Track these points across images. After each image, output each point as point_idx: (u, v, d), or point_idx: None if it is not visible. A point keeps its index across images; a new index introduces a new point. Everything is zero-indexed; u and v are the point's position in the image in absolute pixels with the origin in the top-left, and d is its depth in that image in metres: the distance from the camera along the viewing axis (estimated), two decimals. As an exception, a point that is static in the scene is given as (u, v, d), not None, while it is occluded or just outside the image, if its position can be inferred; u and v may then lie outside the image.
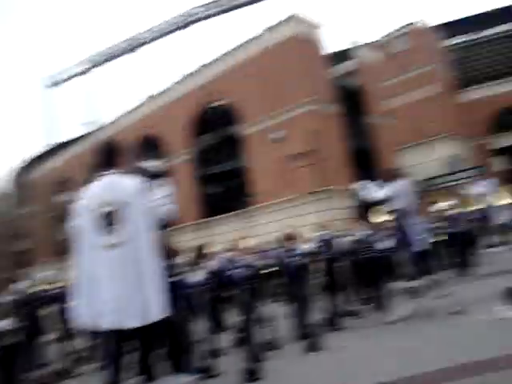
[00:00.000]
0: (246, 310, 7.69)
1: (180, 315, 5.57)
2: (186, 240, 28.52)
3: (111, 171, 4.33)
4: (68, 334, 11.40)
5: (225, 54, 34.29)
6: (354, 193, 26.52)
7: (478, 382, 4.70)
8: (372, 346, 7.21)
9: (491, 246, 13.00)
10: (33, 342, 9.79)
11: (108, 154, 4.44)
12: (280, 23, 31.17)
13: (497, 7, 55.92)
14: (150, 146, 39.68)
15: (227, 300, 13.32)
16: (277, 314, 9.58)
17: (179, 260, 9.25)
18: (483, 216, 13.92)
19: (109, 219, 4.07)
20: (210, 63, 35.76)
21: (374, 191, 9.10)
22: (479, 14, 56.20)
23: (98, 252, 4.06)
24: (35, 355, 10.03)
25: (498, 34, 55.68)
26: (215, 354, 7.66)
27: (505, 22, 55.29)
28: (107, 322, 3.99)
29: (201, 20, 60.55)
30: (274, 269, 14.97)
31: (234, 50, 33.59)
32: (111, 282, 3.94)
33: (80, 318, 4.05)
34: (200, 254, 8.69)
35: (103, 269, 4.01)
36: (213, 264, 9.54)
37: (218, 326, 10.68)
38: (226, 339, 9.43)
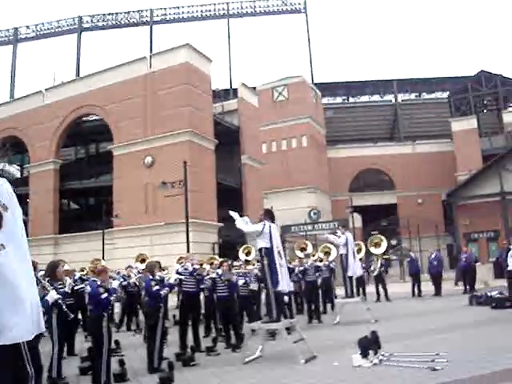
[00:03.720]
0: (105, 337, 7.07)
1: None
2: (40, 254, 26.72)
3: None
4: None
5: (107, 69, 33.19)
6: (219, 228, 26.55)
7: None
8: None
9: (345, 297, 13.49)
10: None
11: None
12: (172, 48, 30.99)
13: (376, 79, 60.96)
14: (14, 147, 37.02)
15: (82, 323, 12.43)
16: (131, 343, 9.03)
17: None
18: (339, 266, 14.52)
19: None
20: (90, 75, 34.43)
21: (249, 225, 9.07)
22: (357, 82, 60.80)
23: None
24: None
25: (370, 102, 60.68)
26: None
27: (378, 93, 60.43)
28: None
29: (90, 30, 58.91)
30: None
31: (119, 66, 32.66)
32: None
33: None
34: (53, 272, 7.88)
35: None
36: (69, 283, 8.73)
37: (68, 351, 9.88)
38: (73, 365, 8.68)
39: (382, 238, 20.54)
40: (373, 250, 19.77)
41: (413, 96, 62.11)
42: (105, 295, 7.19)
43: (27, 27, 62.04)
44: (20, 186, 36.95)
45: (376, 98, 61.40)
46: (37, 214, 34.08)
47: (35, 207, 34.37)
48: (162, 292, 8.58)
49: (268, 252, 8.71)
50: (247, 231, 9.12)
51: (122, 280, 13.91)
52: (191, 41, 31.45)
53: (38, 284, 5.23)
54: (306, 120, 47.27)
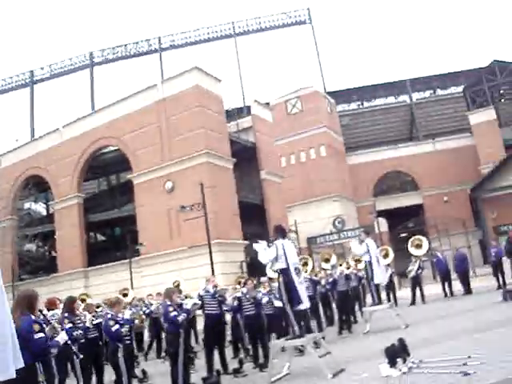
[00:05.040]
0: (116, 367, 7.07)
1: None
2: (72, 288, 26.98)
3: None
4: None
5: (120, 100, 33.64)
6: (245, 246, 26.38)
7: None
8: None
9: (373, 305, 13.29)
10: None
11: None
12: (182, 73, 31.27)
13: (388, 81, 60.55)
14: (38, 186, 37.66)
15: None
16: (159, 371, 9.01)
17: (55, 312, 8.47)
18: (365, 275, 14.35)
19: None
20: (104, 108, 34.93)
21: (265, 255, 9.02)
22: (370, 86, 60.47)
23: None
24: None
25: (385, 104, 60.22)
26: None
27: (392, 95, 59.99)
28: None
29: (102, 64, 60.06)
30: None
31: (131, 96, 33.07)
32: None
33: None
34: (70, 307, 7.90)
35: None
36: (89, 318, 8.75)
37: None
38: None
39: (423, 238, 20.28)
40: (413, 251, 19.54)
41: (427, 94, 61.40)
42: (115, 327, 7.21)
43: (42, 68, 63.76)
44: (46, 223, 37.55)
45: (391, 99, 60.88)
46: (64, 249, 34.53)
47: (62, 242, 34.83)
48: (179, 318, 8.53)
49: (285, 272, 8.66)
50: (266, 263, 9.08)
51: (145, 309, 13.95)
52: (200, 63, 31.81)
53: (47, 324, 5.22)
54: (322, 130, 47.10)
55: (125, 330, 7.23)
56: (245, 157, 33.69)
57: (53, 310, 8.86)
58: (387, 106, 60.41)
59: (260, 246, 9.14)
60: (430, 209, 47.40)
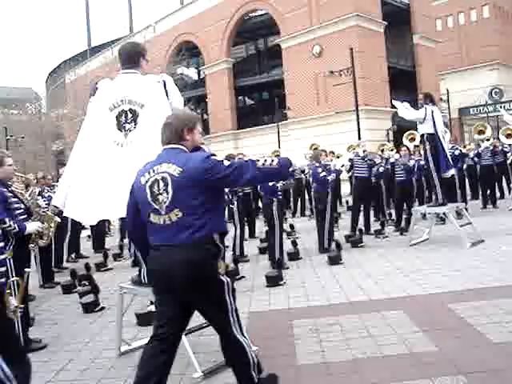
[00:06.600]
0: (276, 220, 7.92)
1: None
2: (220, 150, 28.72)
3: (132, 71, 4.17)
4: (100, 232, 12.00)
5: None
6: (393, 114, 25.76)
7: (488, 305, 4.82)
8: (389, 264, 7.40)
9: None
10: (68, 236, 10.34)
11: (130, 54, 4.22)
12: None
13: None
14: (190, 51, 39.08)
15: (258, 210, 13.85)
16: (305, 227, 9.83)
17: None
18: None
19: (126, 117, 4.03)
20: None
21: (411, 112, 9.00)
22: None
23: (110, 147, 4.03)
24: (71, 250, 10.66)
25: None
26: (239, 259, 8.00)
27: None
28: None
29: None
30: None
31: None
32: (117, 178, 3.83)
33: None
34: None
35: (113, 165, 3.96)
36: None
37: (250, 234, 11.26)
38: (253, 246, 9.90)
39: None
40: None
41: None
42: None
43: None
44: (198, 87, 39.39)
45: None
46: (215, 112, 36.44)
47: (214, 106, 36.69)
48: (328, 178, 9.08)
49: (432, 137, 8.60)
50: (409, 118, 9.01)
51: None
52: None
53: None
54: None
55: (279, 185, 7.89)
56: (397, 19, 31.74)
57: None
58: None
59: (399, 103, 9.14)
60: None
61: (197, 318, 3.36)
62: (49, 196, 8.23)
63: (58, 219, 5.30)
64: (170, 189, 2.84)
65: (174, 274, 2.82)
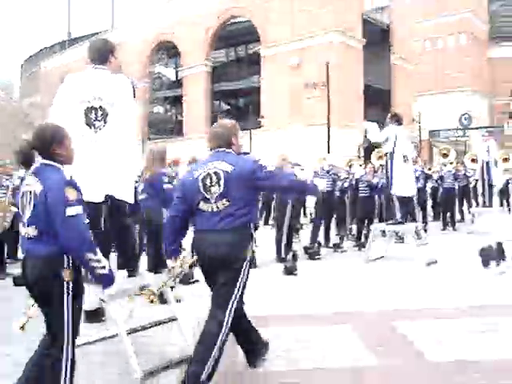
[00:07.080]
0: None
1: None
2: (193, 152, 28.47)
3: (102, 67, 4.24)
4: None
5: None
6: (364, 131, 26.20)
7: (431, 324, 4.93)
8: (342, 278, 7.49)
9: (483, 206, 13.07)
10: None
11: (101, 51, 4.30)
12: None
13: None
14: (168, 51, 38.94)
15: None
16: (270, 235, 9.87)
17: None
18: (480, 175, 13.94)
19: (96, 114, 4.07)
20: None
21: (376, 135, 9.14)
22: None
23: (78, 141, 3.86)
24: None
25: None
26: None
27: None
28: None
29: None
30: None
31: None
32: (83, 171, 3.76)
33: None
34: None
35: (81, 158, 3.76)
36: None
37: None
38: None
39: None
40: None
41: None
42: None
43: None
44: (175, 88, 39.26)
45: None
46: (190, 114, 36.32)
47: (189, 108, 36.57)
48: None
49: (390, 156, 8.79)
50: (375, 141, 9.22)
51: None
52: None
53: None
54: (466, 15, 43.26)
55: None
56: (377, 39, 32.34)
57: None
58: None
59: (370, 124, 9.32)
60: None
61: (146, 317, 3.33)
62: (6, 185, 7.99)
63: (15, 209, 5.23)
64: (221, 182, 3.35)
65: (215, 252, 3.33)
